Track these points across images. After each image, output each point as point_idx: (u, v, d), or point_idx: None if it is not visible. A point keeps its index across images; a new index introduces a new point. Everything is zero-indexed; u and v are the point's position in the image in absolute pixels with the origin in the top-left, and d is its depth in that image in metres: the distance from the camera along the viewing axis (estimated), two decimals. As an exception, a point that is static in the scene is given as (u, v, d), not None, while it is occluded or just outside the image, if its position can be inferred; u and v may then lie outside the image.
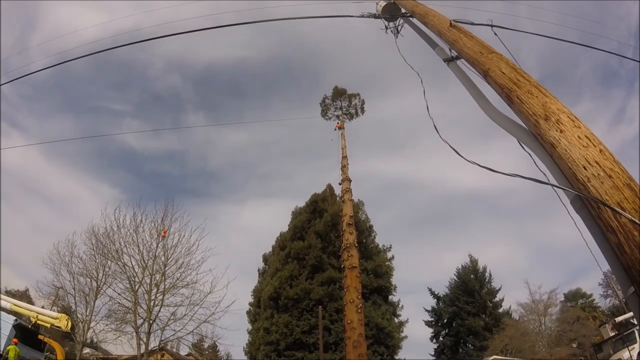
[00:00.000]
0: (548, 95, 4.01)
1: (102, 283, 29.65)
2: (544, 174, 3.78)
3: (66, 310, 29.18)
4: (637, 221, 2.77)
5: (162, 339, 27.98)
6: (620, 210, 2.88)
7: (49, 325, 22.90)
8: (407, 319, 36.83)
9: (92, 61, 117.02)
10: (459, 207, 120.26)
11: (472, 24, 6.73)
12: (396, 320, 35.15)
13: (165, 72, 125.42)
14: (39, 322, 22.96)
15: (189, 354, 40.39)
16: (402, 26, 9.70)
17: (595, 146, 3.35)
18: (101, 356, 38.56)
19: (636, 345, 26.11)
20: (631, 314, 29.39)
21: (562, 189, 3.48)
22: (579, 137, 3.45)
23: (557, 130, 3.60)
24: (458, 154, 4.42)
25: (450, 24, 6.48)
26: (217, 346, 47.60)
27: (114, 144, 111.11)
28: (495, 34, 6.62)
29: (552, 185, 3.58)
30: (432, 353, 52.61)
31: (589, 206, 3.23)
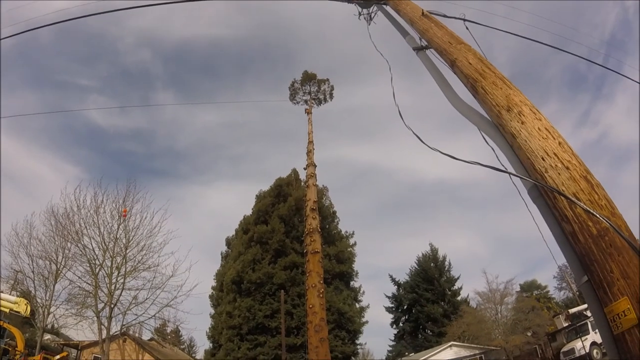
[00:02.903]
0: (512, 87, 4.09)
1: (61, 266, 28.80)
2: (504, 166, 3.84)
3: (25, 295, 28.22)
4: (591, 211, 2.86)
5: (124, 323, 27.56)
6: (576, 200, 2.97)
7: (7, 311, 22.09)
8: (368, 304, 37.21)
9: (59, 33, 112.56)
10: (425, 196, 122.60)
11: (445, 16, 6.76)
12: (357, 305, 35.57)
13: (136, 47, 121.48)
14: None
15: (151, 339, 39.86)
16: (375, 13, 9.68)
17: (554, 138, 3.45)
18: (62, 342, 37.60)
19: (589, 336, 27.32)
20: (585, 306, 30.76)
21: (520, 177, 3.56)
22: (539, 129, 3.54)
23: (518, 122, 3.68)
24: (421, 140, 4.46)
25: (423, 13, 6.52)
26: (179, 331, 47.24)
27: (79, 121, 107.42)
28: (467, 28, 6.66)
29: (511, 173, 3.66)
30: (392, 338, 53.80)
31: (545, 196, 3.33)
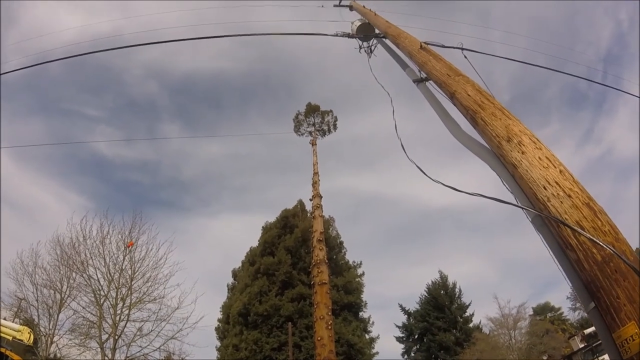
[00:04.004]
0: (511, 117, 4.17)
1: (66, 295, 28.59)
2: (512, 193, 3.88)
3: (29, 323, 28.12)
4: (595, 239, 2.88)
5: (128, 355, 27.17)
6: (579, 229, 2.99)
7: (10, 338, 22.01)
8: (378, 335, 36.61)
9: (67, 63, 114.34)
10: (431, 222, 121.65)
11: (443, 46, 6.90)
12: (367, 336, 35.00)
13: (143, 79, 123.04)
14: (0, 334, 22.08)
15: (155, 372, 39.23)
16: (375, 46, 9.90)
17: (555, 167, 3.49)
18: (65, 372, 37.07)
19: (605, 356, 26.73)
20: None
21: (523, 208, 3.59)
22: (539, 158, 3.59)
23: (518, 152, 3.74)
24: (423, 172, 4.51)
25: (421, 46, 6.64)
26: (184, 364, 46.48)
27: (85, 150, 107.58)
28: (465, 57, 6.78)
29: (513, 204, 3.69)
30: (404, 369, 52.66)
31: (549, 225, 3.35)
